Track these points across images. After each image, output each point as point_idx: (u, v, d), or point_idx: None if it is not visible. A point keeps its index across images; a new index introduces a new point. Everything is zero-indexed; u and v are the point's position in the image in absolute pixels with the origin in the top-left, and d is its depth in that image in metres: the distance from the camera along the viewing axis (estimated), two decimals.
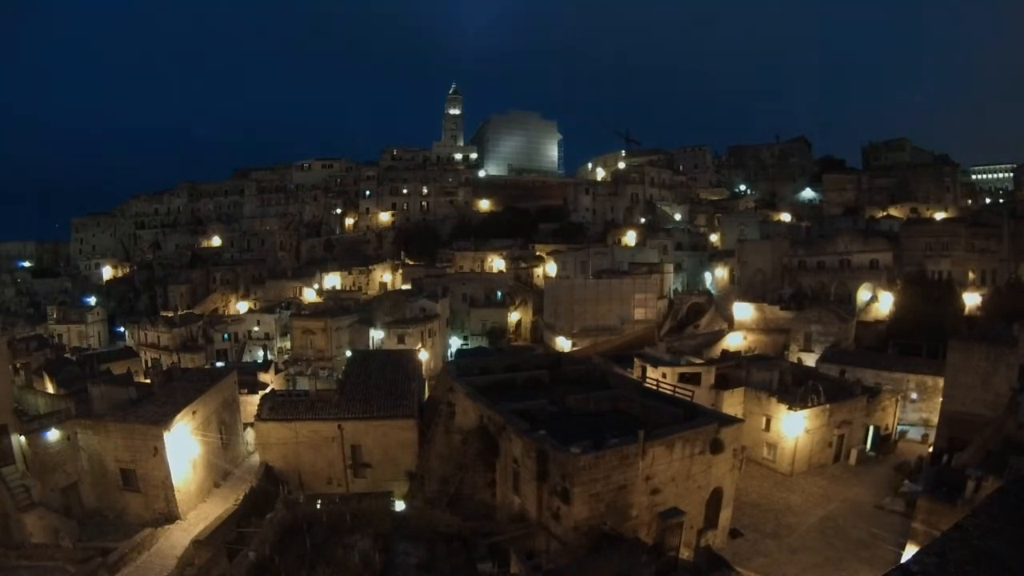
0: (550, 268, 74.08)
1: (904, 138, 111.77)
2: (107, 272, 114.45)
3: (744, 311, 59.75)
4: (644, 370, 39.46)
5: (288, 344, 66.07)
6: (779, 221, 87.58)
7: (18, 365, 42.78)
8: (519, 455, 23.15)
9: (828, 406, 34.28)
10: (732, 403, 35.00)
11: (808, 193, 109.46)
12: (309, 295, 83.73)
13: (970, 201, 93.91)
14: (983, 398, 32.39)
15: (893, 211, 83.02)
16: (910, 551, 21.79)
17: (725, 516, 25.45)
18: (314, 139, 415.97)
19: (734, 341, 57.61)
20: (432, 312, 61.37)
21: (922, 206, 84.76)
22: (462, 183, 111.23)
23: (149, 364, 62.28)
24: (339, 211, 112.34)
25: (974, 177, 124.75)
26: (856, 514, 28.80)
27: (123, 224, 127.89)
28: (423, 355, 49.40)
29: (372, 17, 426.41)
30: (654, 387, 32.80)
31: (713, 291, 72.91)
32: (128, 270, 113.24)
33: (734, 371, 38.55)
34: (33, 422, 29.05)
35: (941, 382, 36.35)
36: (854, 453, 35.32)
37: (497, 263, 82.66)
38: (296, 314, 66.52)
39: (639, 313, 64.01)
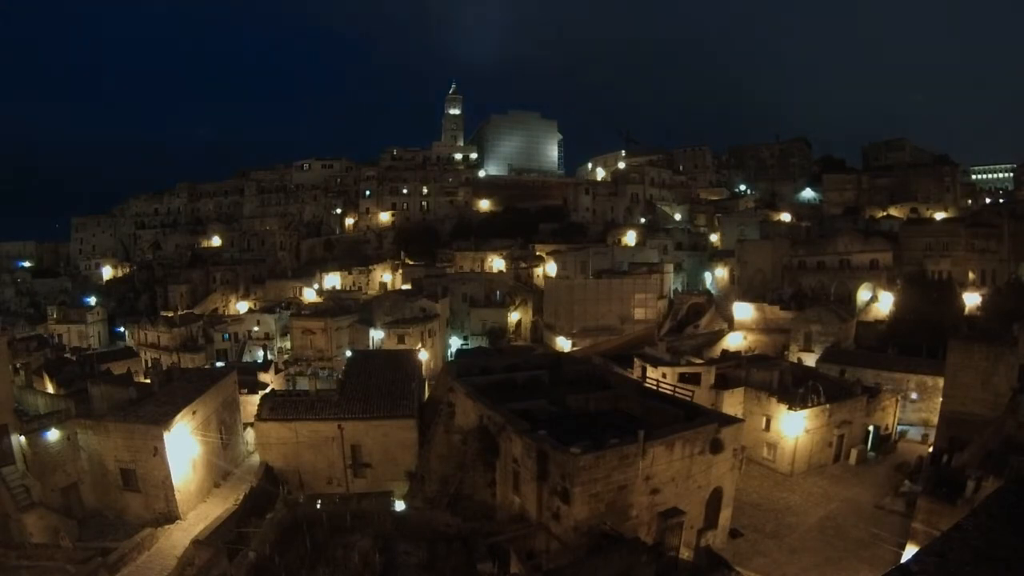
0: (550, 268, 74.02)
1: (904, 138, 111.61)
2: (107, 272, 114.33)
3: (744, 311, 59.74)
4: (644, 370, 39.49)
5: (288, 344, 66.06)
6: (779, 221, 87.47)
7: (18, 365, 42.76)
8: (519, 455, 23.15)
9: (828, 406, 34.26)
10: (732, 403, 34.99)
11: (808, 193, 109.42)
12: (309, 295, 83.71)
13: (970, 201, 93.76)
14: (983, 398, 32.37)
15: (893, 211, 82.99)
16: (910, 551, 21.81)
17: (725, 516, 25.46)
18: (314, 139, 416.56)
19: (734, 341, 57.60)
20: (432, 312, 61.35)
21: (922, 206, 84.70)
22: (462, 183, 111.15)
23: (149, 364, 62.24)
24: (339, 211, 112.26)
25: (974, 177, 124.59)
26: (856, 514, 28.79)
27: (123, 224, 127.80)
28: (423, 355, 49.40)
29: (372, 17, 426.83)
30: (654, 387, 32.79)
31: (713, 291, 72.88)
32: (128, 270, 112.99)
33: (734, 371, 38.52)
34: (33, 422, 29.03)
35: (941, 382, 36.32)
36: (854, 453, 35.30)
37: (497, 263, 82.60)
38: (296, 314, 66.53)
39: (639, 313, 64.02)
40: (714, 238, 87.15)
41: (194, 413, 30.81)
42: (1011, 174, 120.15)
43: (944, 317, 49.22)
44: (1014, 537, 7.97)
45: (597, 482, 20.63)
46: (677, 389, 32.70)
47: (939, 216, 77.73)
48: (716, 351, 54.16)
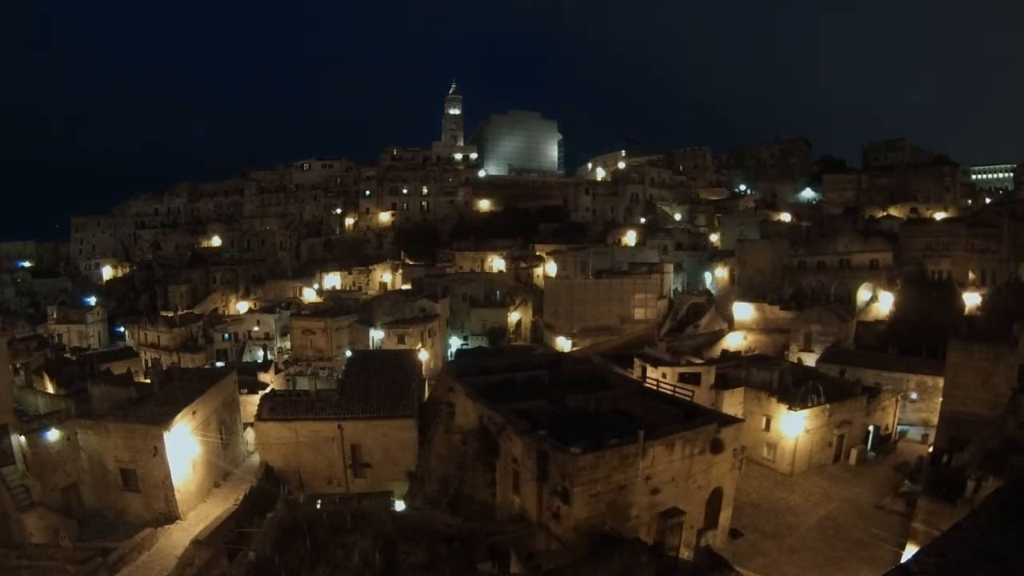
0: (550, 268, 74.01)
1: (904, 138, 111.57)
2: (107, 272, 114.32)
3: (744, 311, 59.73)
4: (644, 370, 39.49)
5: (288, 344, 66.05)
6: (779, 221, 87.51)
7: (18, 365, 42.79)
8: (519, 455, 23.16)
9: (828, 406, 34.25)
10: (732, 403, 34.98)
11: (808, 193, 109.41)
12: (309, 295, 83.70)
13: (970, 201, 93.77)
14: (983, 398, 32.39)
15: (893, 211, 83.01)
16: (910, 551, 21.81)
17: (725, 516, 25.47)
18: (314, 139, 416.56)
19: (734, 341, 57.58)
20: (432, 312, 61.35)
21: (922, 206, 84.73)
22: (462, 183, 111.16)
23: (149, 364, 62.27)
24: (339, 211, 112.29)
25: (974, 177, 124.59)
26: (856, 514, 28.79)
27: (123, 224, 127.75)
28: (423, 355, 49.41)
29: (371, 16, 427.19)
30: (654, 387, 32.80)
31: (713, 291, 72.89)
32: (128, 270, 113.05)
33: (734, 371, 38.51)
34: (33, 422, 29.04)
35: (941, 382, 36.31)
36: (854, 453, 35.29)
37: (497, 263, 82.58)
38: (296, 314, 66.50)
39: (639, 313, 64.01)
40: (714, 238, 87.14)
41: (194, 413, 30.80)
42: (1011, 174, 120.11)
43: (944, 317, 49.21)
44: (1014, 537, 7.97)
45: (597, 482, 20.63)
46: (677, 389, 32.69)
47: (939, 216, 77.73)
48: (716, 351, 54.15)
